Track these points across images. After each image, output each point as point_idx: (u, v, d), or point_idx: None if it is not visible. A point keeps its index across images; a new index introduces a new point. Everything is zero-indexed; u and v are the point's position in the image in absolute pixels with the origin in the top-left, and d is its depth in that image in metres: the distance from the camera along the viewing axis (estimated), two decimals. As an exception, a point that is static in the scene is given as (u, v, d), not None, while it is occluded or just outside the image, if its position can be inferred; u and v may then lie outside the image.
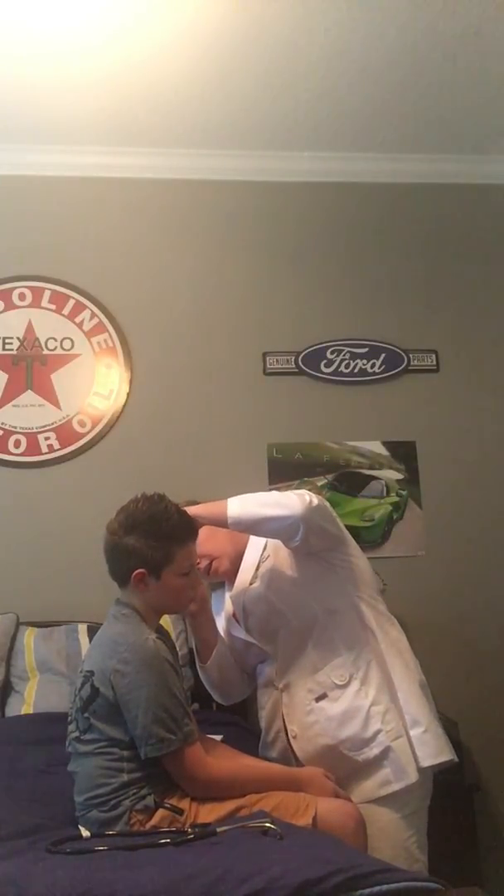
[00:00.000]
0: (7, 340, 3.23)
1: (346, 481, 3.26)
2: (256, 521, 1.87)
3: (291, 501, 1.84)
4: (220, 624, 2.07)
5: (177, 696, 1.68)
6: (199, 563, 1.94)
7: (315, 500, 1.87)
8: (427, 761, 1.87)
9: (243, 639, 2.03)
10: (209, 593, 2.06)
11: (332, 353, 3.35)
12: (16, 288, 3.28)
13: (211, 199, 3.44)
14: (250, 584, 1.98)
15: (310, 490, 1.96)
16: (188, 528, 1.81)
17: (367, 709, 1.88)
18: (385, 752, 1.85)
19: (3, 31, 2.63)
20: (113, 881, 1.26)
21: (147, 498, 1.82)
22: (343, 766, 1.86)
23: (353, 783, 1.86)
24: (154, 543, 1.75)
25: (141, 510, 1.79)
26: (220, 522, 1.87)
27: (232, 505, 1.86)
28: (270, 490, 3.11)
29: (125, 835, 1.58)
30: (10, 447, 3.14)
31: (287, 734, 1.96)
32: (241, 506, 1.86)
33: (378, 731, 1.86)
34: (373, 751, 1.86)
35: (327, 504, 1.96)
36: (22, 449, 3.14)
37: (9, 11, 2.55)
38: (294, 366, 3.33)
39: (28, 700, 2.60)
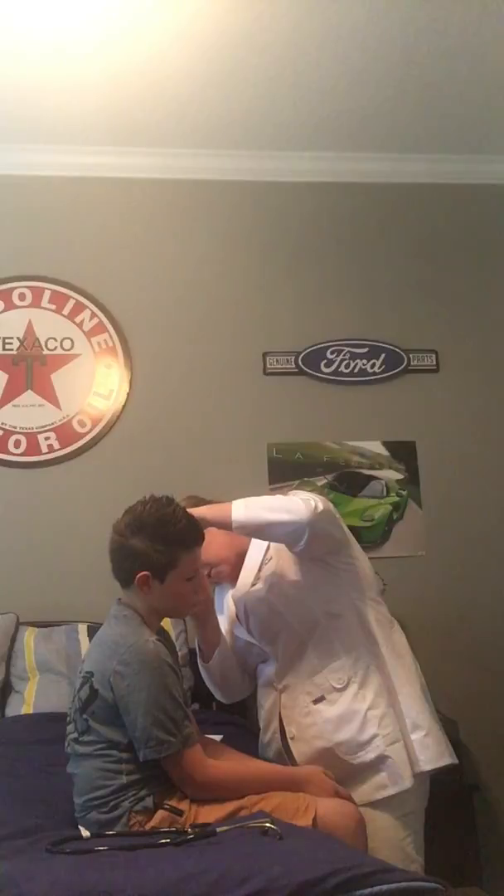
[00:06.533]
0: (7, 340, 3.23)
1: (346, 481, 3.25)
2: (261, 526, 1.86)
3: (297, 507, 1.82)
4: (223, 623, 2.07)
5: (176, 698, 1.67)
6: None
7: (321, 505, 1.85)
8: (428, 765, 1.87)
9: (245, 639, 2.03)
10: (213, 593, 2.06)
11: (332, 353, 3.35)
12: (16, 288, 3.28)
13: (211, 199, 3.44)
14: (252, 585, 1.97)
15: (312, 491, 1.94)
16: (195, 532, 1.79)
17: (364, 712, 1.87)
18: (381, 757, 1.85)
19: (3, 31, 2.63)
20: (113, 881, 1.26)
21: (155, 500, 1.80)
22: (339, 768, 1.85)
23: (349, 786, 1.84)
24: (160, 547, 1.74)
25: (148, 512, 1.77)
26: (225, 525, 1.85)
27: (237, 508, 1.84)
28: (271, 491, 3.12)
29: (125, 835, 1.58)
30: (10, 447, 3.13)
31: (283, 735, 1.96)
32: (245, 510, 1.84)
33: (374, 736, 1.86)
34: (368, 755, 1.85)
35: (332, 507, 1.95)
36: (22, 449, 3.14)
37: (9, 11, 2.55)
38: (294, 366, 3.33)
39: (28, 700, 2.60)
